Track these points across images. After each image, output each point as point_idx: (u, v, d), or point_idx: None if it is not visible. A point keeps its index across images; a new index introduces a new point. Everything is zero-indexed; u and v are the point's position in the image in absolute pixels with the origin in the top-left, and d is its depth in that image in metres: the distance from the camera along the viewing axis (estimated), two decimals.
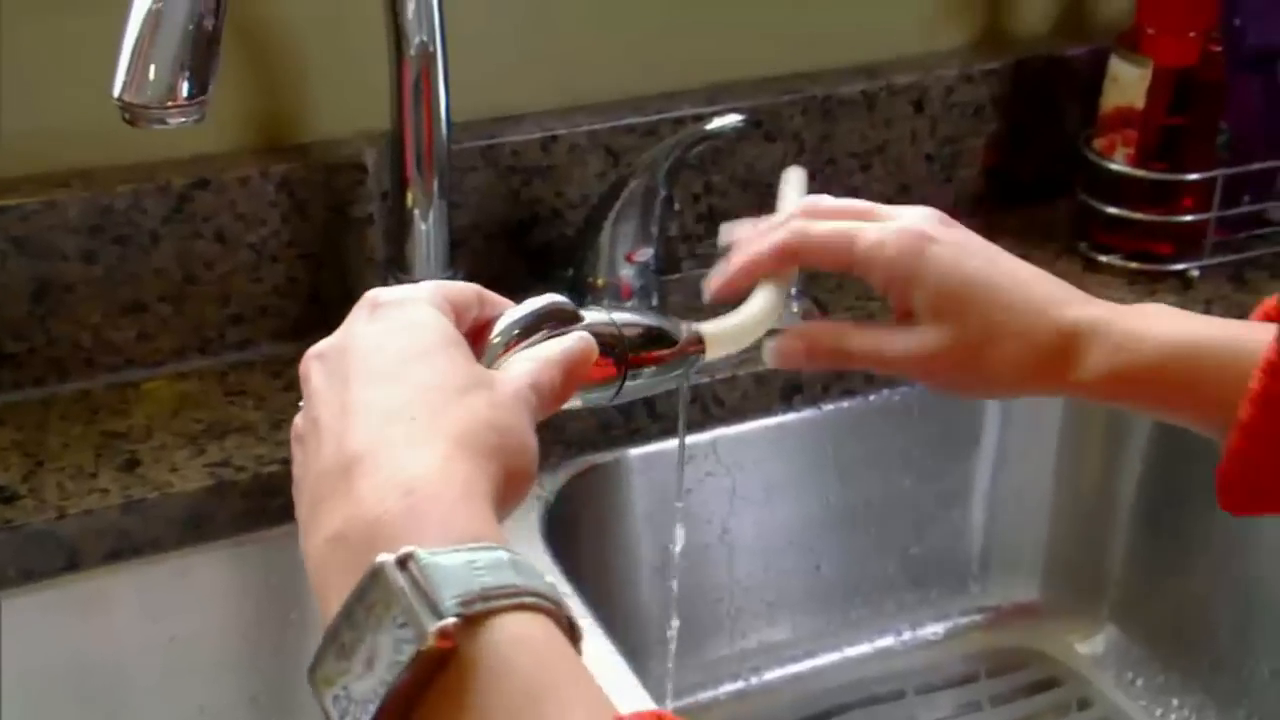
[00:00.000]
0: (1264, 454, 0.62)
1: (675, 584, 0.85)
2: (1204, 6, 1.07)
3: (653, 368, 0.63)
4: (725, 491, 1.04)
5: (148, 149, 0.94)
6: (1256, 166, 1.11)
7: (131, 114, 0.66)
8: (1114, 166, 1.11)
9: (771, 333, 0.71)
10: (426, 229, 0.93)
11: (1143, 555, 1.09)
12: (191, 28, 0.66)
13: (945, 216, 0.69)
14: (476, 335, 0.57)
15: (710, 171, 1.09)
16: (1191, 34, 1.07)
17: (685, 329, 0.66)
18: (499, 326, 0.57)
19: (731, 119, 0.94)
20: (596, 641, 0.83)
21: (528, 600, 0.44)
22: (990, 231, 0.71)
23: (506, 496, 0.50)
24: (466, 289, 0.57)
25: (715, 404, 1.01)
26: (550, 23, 1.04)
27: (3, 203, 0.90)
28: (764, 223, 0.72)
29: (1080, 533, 1.13)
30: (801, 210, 0.71)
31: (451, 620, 0.42)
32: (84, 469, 0.88)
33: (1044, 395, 0.70)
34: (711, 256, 1.12)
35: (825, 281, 1.07)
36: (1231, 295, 1.11)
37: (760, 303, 0.69)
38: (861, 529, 1.09)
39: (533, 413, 0.53)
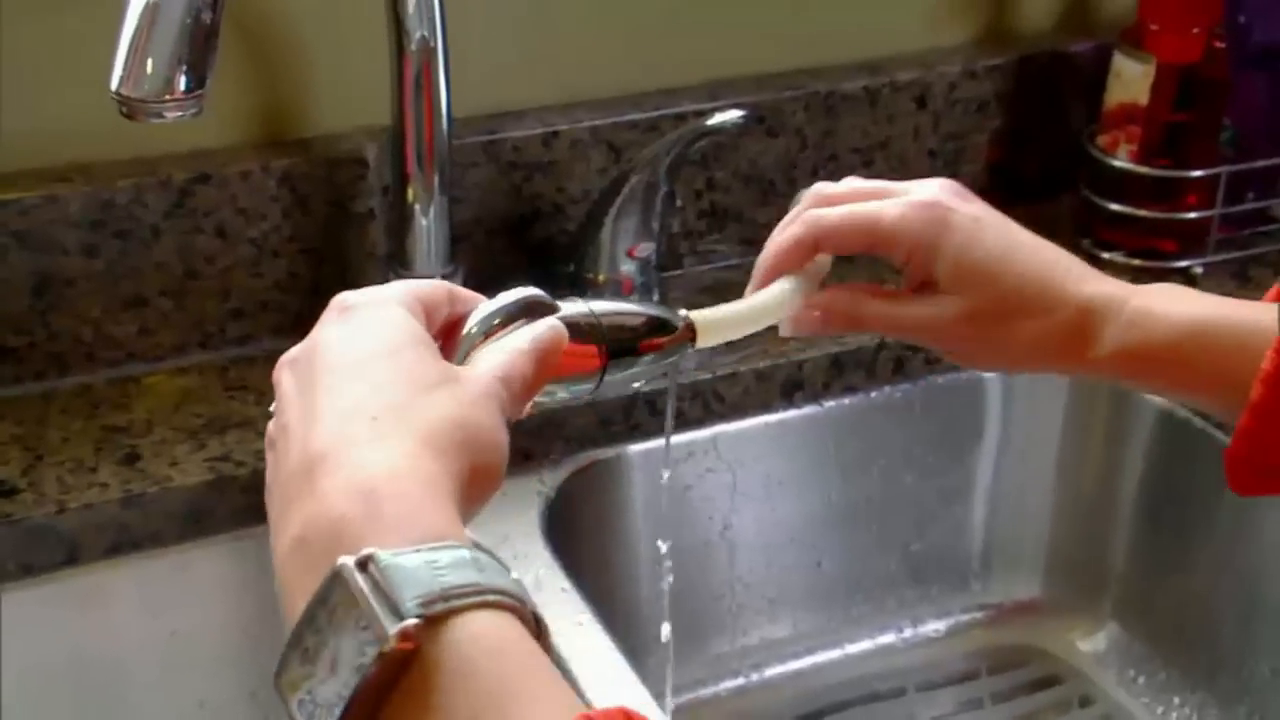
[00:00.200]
0: (1274, 434, 0.62)
1: (669, 580, 0.85)
2: (1208, 3, 1.06)
3: (637, 357, 0.62)
4: (726, 488, 1.03)
5: (148, 143, 0.94)
6: (1260, 163, 1.11)
7: (129, 108, 0.66)
8: (1117, 163, 1.11)
9: None
10: (427, 224, 0.93)
11: (1145, 552, 1.09)
12: (189, 21, 0.66)
13: (960, 187, 0.70)
14: (449, 332, 0.56)
15: (712, 167, 1.09)
16: (1195, 30, 1.07)
17: (678, 316, 0.65)
18: (471, 321, 0.56)
19: (732, 115, 0.93)
20: (596, 638, 0.84)
21: (490, 598, 0.43)
22: None
23: (474, 493, 0.49)
24: (436, 287, 0.56)
25: (716, 400, 1.01)
26: (551, 18, 1.04)
27: (3, 197, 0.90)
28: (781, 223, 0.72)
29: (1082, 530, 1.12)
30: (812, 200, 0.71)
31: (412, 621, 0.42)
32: (84, 463, 0.88)
33: (1057, 372, 0.71)
34: (713, 253, 1.13)
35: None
36: (1235, 292, 1.10)
37: (766, 292, 0.69)
38: (863, 525, 1.09)
39: (503, 407, 0.52)
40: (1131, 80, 1.09)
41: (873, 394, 1.05)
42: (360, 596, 0.42)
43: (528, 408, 0.55)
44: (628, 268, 0.99)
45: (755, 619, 1.08)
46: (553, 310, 0.58)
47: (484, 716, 0.42)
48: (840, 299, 0.70)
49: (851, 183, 0.71)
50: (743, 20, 1.10)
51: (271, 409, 0.53)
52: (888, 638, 1.12)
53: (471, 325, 0.56)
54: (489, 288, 1.05)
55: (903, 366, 1.06)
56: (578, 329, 0.58)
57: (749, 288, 0.70)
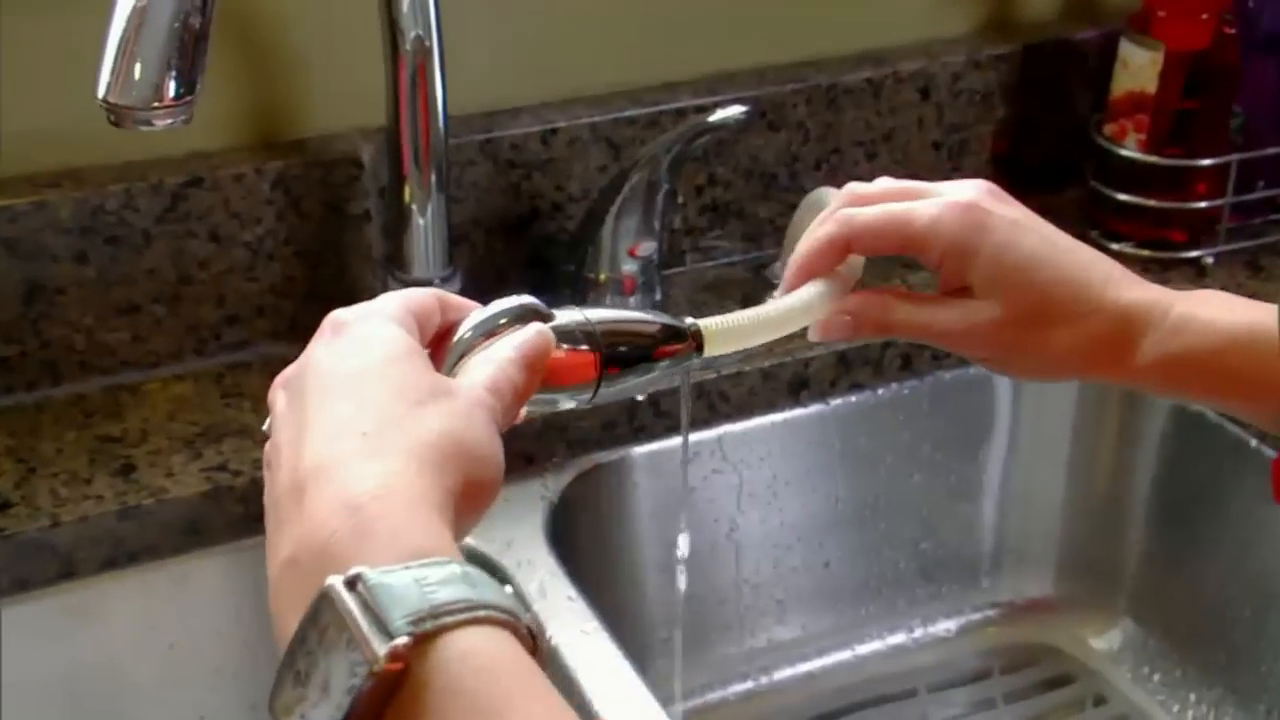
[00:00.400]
0: None
1: (682, 585, 0.84)
2: None
3: (636, 366, 0.60)
4: (732, 489, 1.02)
5: (139, 147, 0.93)
6: (1271, 151, 1.09)
7: (117, 116, 0.64)
8: (1125, 153, 1.09)
9: None
10: (425, 224, 0.92)
11: (1158, 547, 1.08)
12: (177, 25, 0.63)
13: (995, 188, 0.67)
14: (441, 341, 0.56)
15: (713, 163, 1.07)
16: (1204, 16, 1.05)
17: (683, 324, 0.63)
18: (461, 329, 0.55)
19: (735, 110, 0.91)
20: (601, 644, 0.82)
21: (482, 614, 0.43)
22: None
23: (469, 507, 0.49)
24: (426, 296, 0.56)
25: (721, 400, 0.99)
26: (547, 12, 1.02)
27: None
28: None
29: (1094, 525, 1.11)
30: (845, 199, 0.68)
31: (402, 640, 0.41)
32: (78, 475, 0.87)
33: (1095, 379, 0.69)
34: (715, 249, 1.12)
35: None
36: (1247, 283, 1.09)
37: (791, 297, 0.66)
38: (871, 525, 1.08)
39: (494, 417, 0.51)
40: (1139, 68, 1.07)
41: (880, 391, 1.04)
42: (349, 617, 0.42)
43: (522, 414, 0.55)
44: (629, 267, 0.98)
45: (763, 621, 1.07)
46: (546, 318, 0.57)
47: None
48: (872, 304, 0.68)
49: (885, 182, 0.69)
50: (742, 12, 1.08)
51: (266, 428, 0.53)
52: (898, 638, 1.10)
53: (462, 334, 0.55)
54: (488, 289, 1.04)
55: (910, 363, 1.04)
56: (572, 337, 0.57)
57: (779, 290, 0.68)
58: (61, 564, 0.84)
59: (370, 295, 0.97)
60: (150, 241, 0.93)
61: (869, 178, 1.07)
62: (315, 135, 0.98)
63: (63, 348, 0.93)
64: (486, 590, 0.44)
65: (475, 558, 0.88)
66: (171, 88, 0.64)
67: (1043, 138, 1.18)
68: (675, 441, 0.98)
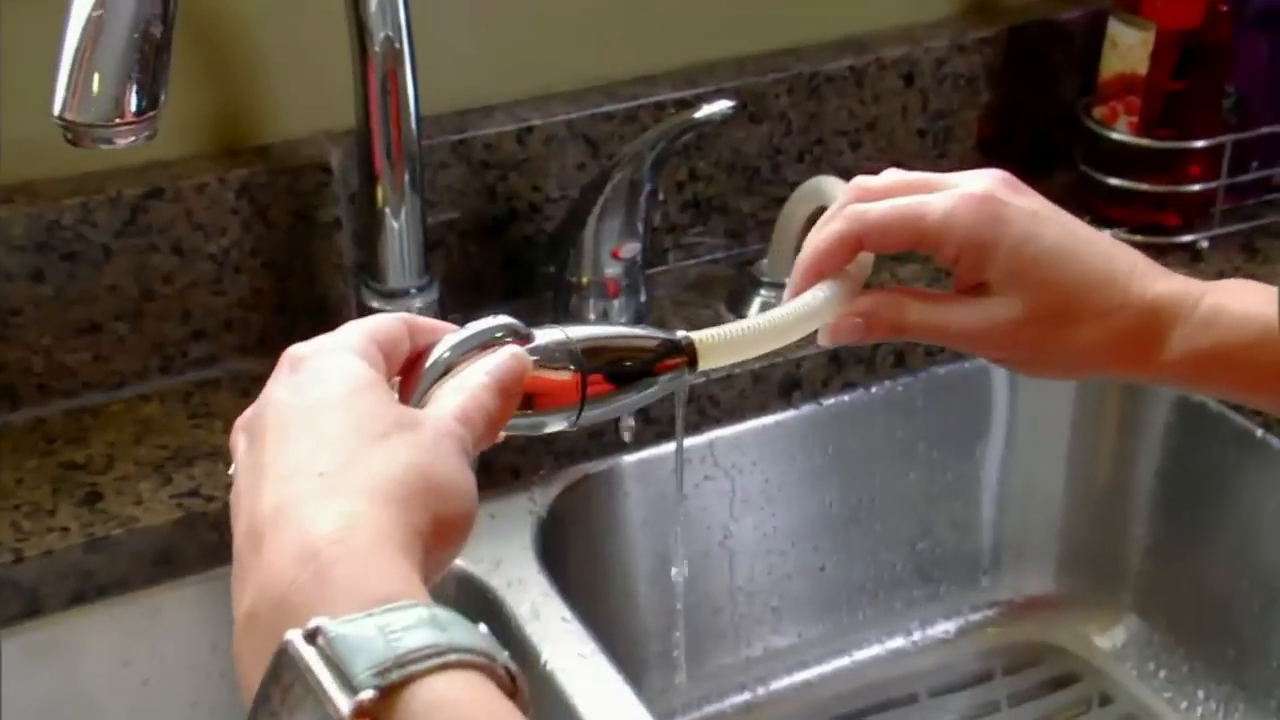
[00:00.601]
0: None
1: (680, 602, 0.80)
2: None
3: (623, 386, 0.56)
4: (724, 495, 0.99)
5: (96, 158, 0.88)
6: (1265, 130, 1.07)
7: (74, 134, 0.60)
8: (1116, 136, 1.06)
9: None
10: (399, 229, 0.88)
11: (1162, 541, 1.05)
12: (137, 36, 0.59)
13: (1010, 178, 0.64)
14: (412, 368, 0.53)
15: (694, 158, 1.03)
16: None
17: (675, 338, 0.59)
18: (433, 355, 0.52)
19: (722, 105, 0.88)
20: (599, 668, 0.80)
21: (452, 659, 0.41)
22: None
23: (440, 544, 0.46)
24: (392, 322, 0.53)
25: (711, 404, 0.96)
26: (519, 6, 0.99)
27: None
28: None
29: (1096, 520, 1.08)
30: (853, 194, 0.65)
31: (367, 694, 0.39)
32: (41, 506, 0.83)
33: (1121, 377, 0.66)
34: (698, 246, 1.08)
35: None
36: (1243, 266, 1.07)
37: (796, 302, 0.62)
38: (866, 526, 1.05)
39: (465, 448, 0.49)
40: (1129, 49, 1.04)
41: (873, 389, 1.01)
42: (308, 675, 0.40)
43: (501, 435, 0.52)
44: (612, 270, 0.94)
45: (758, 629, 1.04)
46: (526, 338, 0.54)
47: None
48: (884, 305, 0.64)
49: (893, 174, 0.65)
50: (720, 0, 1.04)
51: (230, 473, 0.50)
52: (897, 641, 1.08)
53: (436, 358, 0.52)
54: (465, 295, 1.00)
55: (903, 359, 1.01)
56: (553, 357, 0.54)
57: (786, 293, 0.64)
58: (26, 601, 0.80)
59: (342, 306, 0.93)
60: (110, 256, 0.89)
61: (854, 168, 1.03)
62: (280, 140, 0.94)
63: (20, 370, 0.89)
64: (457, 632, 0.42)
65: (463, 581, 0.85)
66: (133, 102, 0.60)
67: (1030, 122, 1.15)
68: (665, 449, 0.95)
